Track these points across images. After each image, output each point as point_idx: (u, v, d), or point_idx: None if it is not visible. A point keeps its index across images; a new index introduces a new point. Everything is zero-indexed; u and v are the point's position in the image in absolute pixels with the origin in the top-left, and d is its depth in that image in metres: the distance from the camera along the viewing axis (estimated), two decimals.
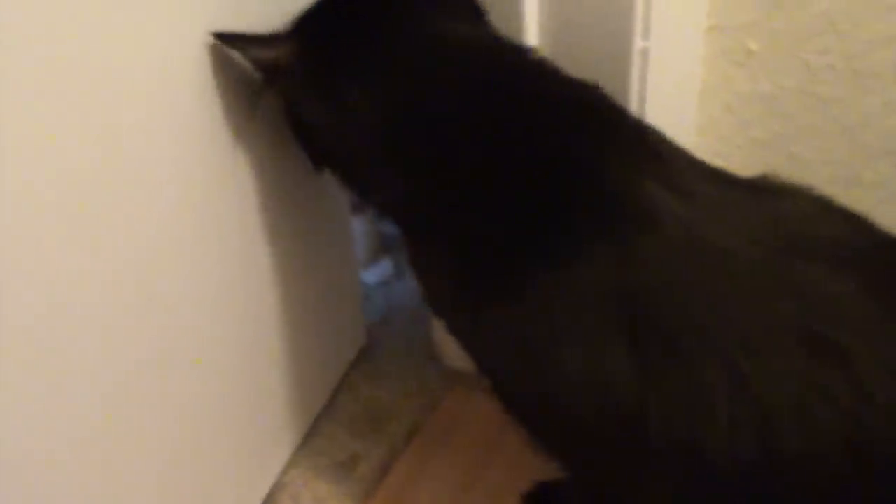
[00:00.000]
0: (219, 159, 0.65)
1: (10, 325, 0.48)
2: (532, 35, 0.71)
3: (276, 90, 0.64)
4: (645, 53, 0.70)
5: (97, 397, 0.57)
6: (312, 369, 0.86)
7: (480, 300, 0.58)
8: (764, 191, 0.61)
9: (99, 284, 0.55)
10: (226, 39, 0.61)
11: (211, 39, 0.60)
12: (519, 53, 0.63)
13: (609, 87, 0.71)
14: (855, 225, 0.58)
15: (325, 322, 0.87)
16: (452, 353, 0.90)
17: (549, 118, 0.59)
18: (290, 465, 0.85)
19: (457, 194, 0.58)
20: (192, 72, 0.60)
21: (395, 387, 0.93)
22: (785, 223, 0.58)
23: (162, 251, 0.60)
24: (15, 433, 0.51)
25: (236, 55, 0.62)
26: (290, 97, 0.64)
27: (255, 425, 0.78)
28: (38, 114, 0.47)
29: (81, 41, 0.49)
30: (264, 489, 0.82)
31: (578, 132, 0.58)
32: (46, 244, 0.50)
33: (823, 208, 0.60)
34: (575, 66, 0.72)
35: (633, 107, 0.72)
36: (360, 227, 0.96)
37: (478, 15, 0.65)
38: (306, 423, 0.88)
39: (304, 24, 0.62)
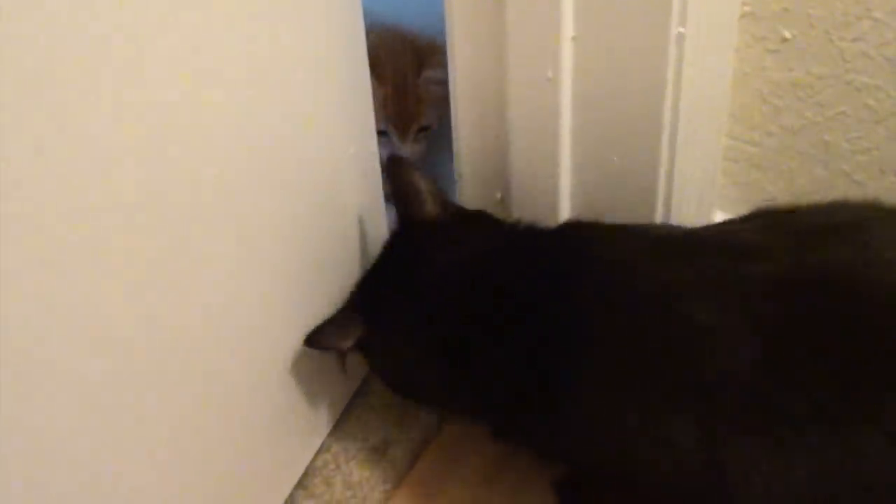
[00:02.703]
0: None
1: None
2: (568, 19, 0.71)
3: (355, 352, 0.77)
4: (681, 39, 0.70)
5: (139, 374, 0.58)
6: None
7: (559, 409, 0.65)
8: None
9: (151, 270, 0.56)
10: (313, 343, 0.74)
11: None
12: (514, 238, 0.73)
13: (644, 73, 0.72)
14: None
15: None
16: None
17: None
18: (323, 449, 0.86)
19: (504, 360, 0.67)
20: None
21: None
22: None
23: (216, 245, 0.61)
24: (56, 417, 0.52)
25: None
26: (368, 357, 0.78)
27: (287, 410, 0.79)
28: None
29: None
30: (297, 473, 0.82)
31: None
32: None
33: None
34: (611, 50, 0.72)
35: (669, 92, 0.72)
36: (392, 214, 0.96)
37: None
38: (339, 408, 0.88)
39: (367, 306, 0.75)
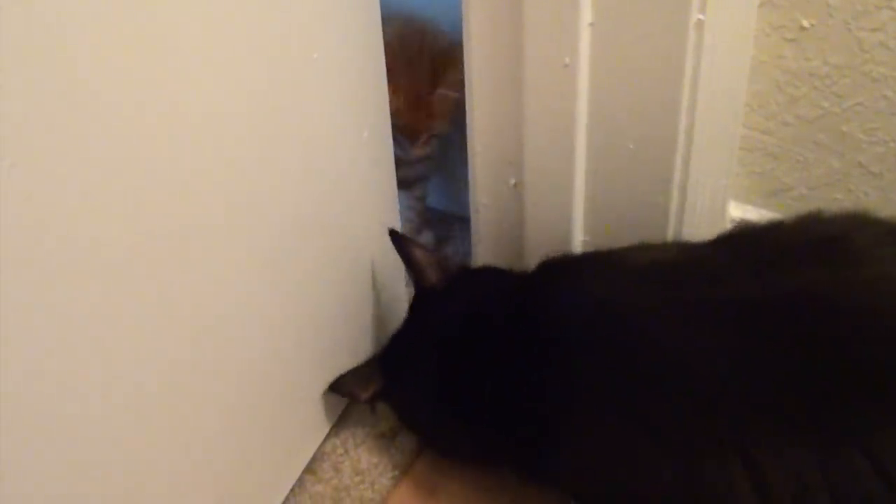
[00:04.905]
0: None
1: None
2: (586, 5, 0.71)
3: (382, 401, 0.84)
4: (700, 26, 0.69)
5: (158, 363, 0.58)
6: (355, 340, 0.86)
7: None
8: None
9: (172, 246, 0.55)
10: (335, 390, 0.82)
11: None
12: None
13: (663, 60, 0.72)
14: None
15: (366, 295, 0.87)
16: None
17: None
18: (331, 434, 0.86)
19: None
20: None
21: None
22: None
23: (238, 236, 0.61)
24: (80, 392, 0.52)
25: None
26: (395, 409, 0.84)
27: (297, 395, 0.79)
28: None
29: None
30: (305, 458, 0.83)
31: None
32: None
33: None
34: (629, 37, 0.72)
35: (687, 80, 0.71)
36: (404, 201, 0.96)
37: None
38: None
39: (387, 362, 0.82)
